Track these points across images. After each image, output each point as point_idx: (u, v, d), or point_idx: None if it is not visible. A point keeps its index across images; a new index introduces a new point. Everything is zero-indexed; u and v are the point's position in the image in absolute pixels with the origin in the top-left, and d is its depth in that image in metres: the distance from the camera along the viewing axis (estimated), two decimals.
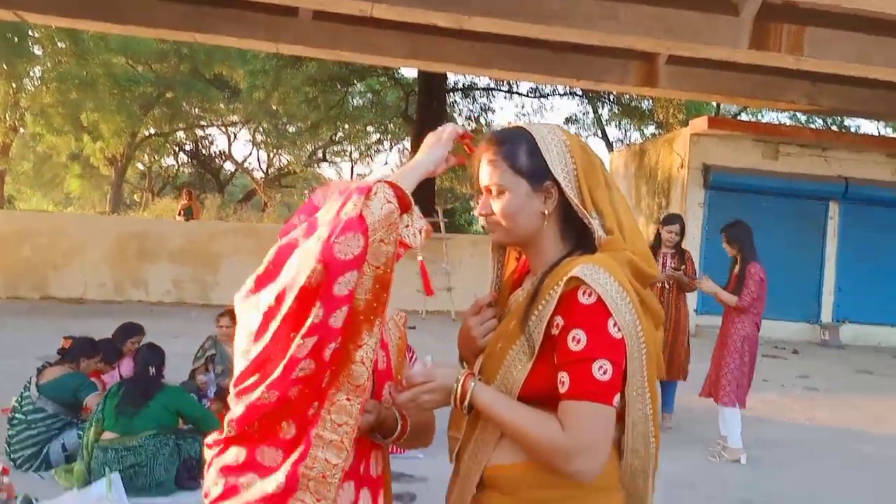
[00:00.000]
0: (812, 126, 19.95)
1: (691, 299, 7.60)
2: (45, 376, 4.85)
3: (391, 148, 32.29)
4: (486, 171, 1.58)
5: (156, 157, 30.42)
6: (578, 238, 1.56)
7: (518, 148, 1.55)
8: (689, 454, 5.64)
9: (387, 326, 1.84)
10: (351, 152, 32.62)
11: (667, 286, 6.26)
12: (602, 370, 1.40)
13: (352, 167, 34.08)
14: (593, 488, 1.49)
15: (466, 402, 1.50)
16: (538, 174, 1.53)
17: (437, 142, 1.67)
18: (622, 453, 1.54)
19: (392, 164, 38.28)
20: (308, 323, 1.47)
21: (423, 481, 4.65)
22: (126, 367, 5.37)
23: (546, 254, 1.57)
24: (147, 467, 4.30)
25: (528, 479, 1.49)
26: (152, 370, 4.56)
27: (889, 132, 22.10)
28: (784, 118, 22.28)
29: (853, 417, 7.43)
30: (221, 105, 25.86)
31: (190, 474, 4.39)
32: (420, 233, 1.67)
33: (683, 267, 6.29)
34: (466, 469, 1.57)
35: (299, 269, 1.49)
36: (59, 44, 19.58)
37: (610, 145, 25.33)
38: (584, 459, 1.41)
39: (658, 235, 6.42)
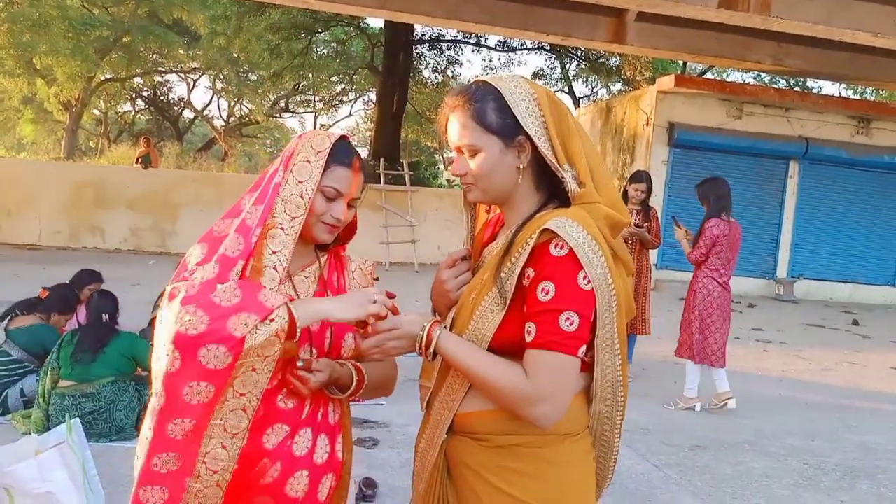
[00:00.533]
0: (776, 86, 20.14)
1: (652, 254, 7.72)
2: (15, 322, 4.76)
3: (356, 99, 31.90)
4: (456, 132, 1.55)
5: (112, 103, 29.55)
6: (552, 189, 1.56)
7: (486, 105, 1.52)
8: (645, 402, 5.79)
9: (352, 275, 1.81)
10: (315, 102, 32.12)
11: (630, 242, 6.34)
12: (568, 321, 1.41)
13: (315, 117, 33.60)
14: (562, 433, 1.52)
15: (431, 349, 1.51)
16: (509, 130, 1.51)
17: (360, 304, 1.54)
18: (591, 400, 1.57)
19: (356, 115, 37.83)
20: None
21: (385, 427, 4.71)
22: (83, 314, 5.27)
23: (521, 207, 1.57)
24: (107, 413, 4.26)
25: (497, 426, 1.51)
26: (105, 317, 4.47)
27: (850, 94, 22.45)
28: (749, 78, 22.47)
29: (803, 368, 7.69)
30: (181, 51, 25.12)
31: None
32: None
33: (647, 224, 6.37)
34: (437, 415, 1.59)
35: (162, 340, 1.44)
36: None
37: (577, 101, 25.31)
38: (546, 406, 1.43)
39: (625, 192, 6.47)
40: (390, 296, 1.59)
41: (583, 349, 1.45)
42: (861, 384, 7.17)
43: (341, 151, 1.66)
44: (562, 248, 1.43)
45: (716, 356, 5.60)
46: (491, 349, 1.49)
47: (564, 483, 1.53)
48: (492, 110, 1.51)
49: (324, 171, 1.62)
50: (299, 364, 1.59)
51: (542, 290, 1.42)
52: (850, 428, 5.59)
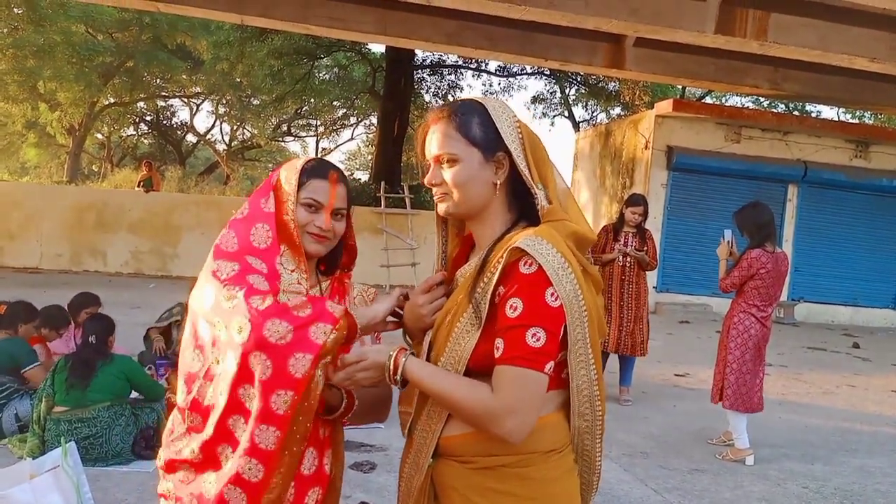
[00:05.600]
0: (774, 110, 20.27)
1: (650, 277, 7.74)
2: None
3: (357, 123, 32.13)
4: (437, 141, 1.57)
5: (115, 128, 29.78)
6: (522, 209, 1.59)
7: (471, 118, 1.55)
8: (644, 425, 5.78)
9: (353, 301, 1.86)
10: (316, 126, 32.34)
11: (628, 265, 6.37)
12: (535, 337, 1.43)
13: (317, 141, 33.81)
14: (546, 450, 1.54)
15: (399, 376, 1.54)
16: (491, 145, 1.55)
17: (388, 299, 1.74)
18: (570, 416, 1.59)
19: (358, 139, 38.02)
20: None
21: (383, 451, 4.69)
22: (80, 337, 5.28)
23: (493, 225, 1.59)
24: (102, 438, 4.24)
25: (482, 447, 1.53)
26: (92, 338, 4.43)
27: (848, 118, 22.56)
28: (747, 102, 22.60)
29: (803, 391, 7.66)
30: (184, 76, 25.37)
31: (147, 444, 4.36)
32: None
33: (645, 248, 6.39)
34: (420, 440, 1.60)
35: (239, 348, 1.55)
36: (14, 10, 18.97)
37: (576, 125, 25.47)
38: (513, 421, 1.43)
39: (622, 215, 6.51)
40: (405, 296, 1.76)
41: (550, 365, 1.45)
42: (861, 407, 7.14)
43: (316, 166, 1.77)
44: (530, 265, 1.45)
45: (746, 398, 5.04)
46: (469, 369, 1.51)
47: (551, 501, 1.54)
48: (475, 124, 1.55)
49: (302, 186, 1.73)
50: None
51: (511, 306, 1.45)
52: (850, 451, 5.56)
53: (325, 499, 1.74)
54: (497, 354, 1.45)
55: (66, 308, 5.42)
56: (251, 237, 1.68)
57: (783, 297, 13.81)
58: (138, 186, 15.64)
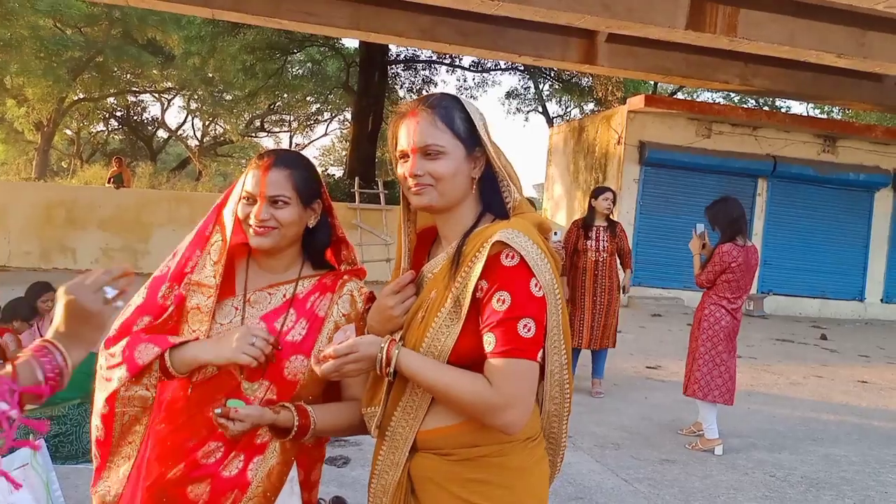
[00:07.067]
0: (744, 106, 20.53)
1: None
2: None
3: (331, 119, 31.98)
4: (423, 132, 1.55)
5: (85, 124, 29.33)
6: (487, 204, 1.62)
7: (454, 113, 1.57)
8: (615, 417, 5.84)
9: (339, 300, 1.77)
10: (290, 122, 32.14)
11: (601, 259, 6.40)
12: (526, 328, 1.46)
13: (290, 137, 33.59)
14: (521, 438, 1.57)
15: (391, 368, 1.52)
16: (472, 140, 1.57)
17: (234, 347, 1.60)
18: (541, 401, 1.63)
19: (332, 135, 37.85)
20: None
21: (357, 445, 4.70)
22: (46, 329, 5.24)
23: (464, 218, 1.60)
24: (73, 436, 4.20)
25: (462, 439, 1.54)
26: None
27: (817, 113, 22.90)
28: (718, 98, 22.86)
29: (771, 382, 7.80)
30: (155, 71, 25.05)
31: None
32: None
33: (617, 241, 6.43)
34: (396, 436, 1.60)
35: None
36: None
37: (550, 121, 25.57)
38: (514, 413, 1.46)
39: (591, 210, 6.51)
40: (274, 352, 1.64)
41: (541, 353, 1.50)
42: (828, 397, 7.28)
43: (256, 158, 1.74)
44: (512, 258, 1.48)
45: (720, 391, 5.09)
46: (449, 363, 1.52)
47: (527, 488, 1.58)
48: (459, 119, 1.57)
49: (245, 180, 1.72)
50: (217, 411, 1.58)
51: (498, 299, 1.47)
52: (816, 440, 5.68)
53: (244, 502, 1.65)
54: (490, 348, 1.47)
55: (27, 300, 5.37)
56: (206, 226, 1.75)
57: (752, 290, 14.01)
58: (109, 183, 15.44)
